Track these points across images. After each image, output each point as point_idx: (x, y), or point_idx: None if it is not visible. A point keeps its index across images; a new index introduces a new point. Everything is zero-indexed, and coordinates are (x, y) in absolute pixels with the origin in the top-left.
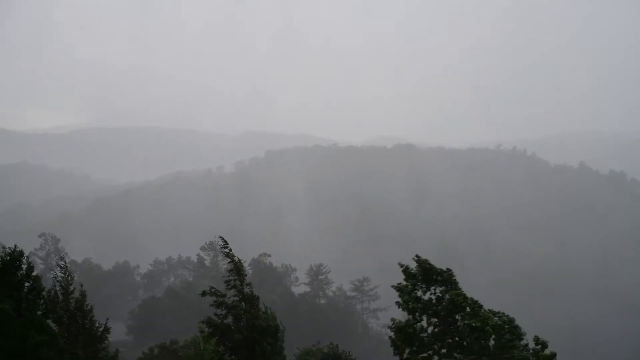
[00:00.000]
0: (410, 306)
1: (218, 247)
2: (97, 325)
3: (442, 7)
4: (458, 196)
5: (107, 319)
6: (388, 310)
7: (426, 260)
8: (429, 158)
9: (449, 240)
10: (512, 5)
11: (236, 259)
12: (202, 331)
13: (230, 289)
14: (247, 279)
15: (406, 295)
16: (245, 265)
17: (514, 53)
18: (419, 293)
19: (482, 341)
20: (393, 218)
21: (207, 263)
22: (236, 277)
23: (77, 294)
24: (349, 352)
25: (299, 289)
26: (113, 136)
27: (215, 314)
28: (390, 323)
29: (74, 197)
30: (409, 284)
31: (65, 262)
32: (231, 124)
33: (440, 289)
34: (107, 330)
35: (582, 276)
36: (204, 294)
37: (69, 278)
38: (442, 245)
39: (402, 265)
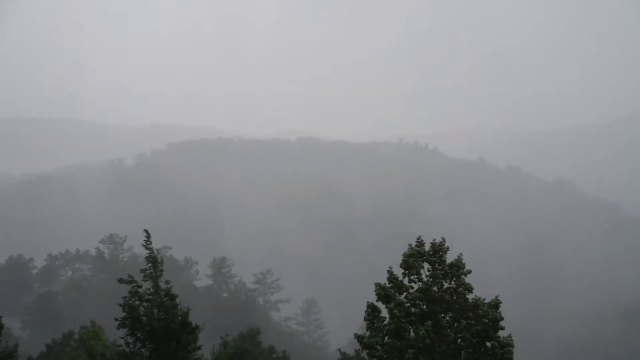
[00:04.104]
0: (411, 262)
1: (118, 240)
2: None
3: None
4: (360, 188)
5: None
6: (290, 302)
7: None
8: (332, 151)
9: (353, 232)
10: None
11: (155, 251)
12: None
13: (146, 281)
14: (147, 273)
15: (411, 258)
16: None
17: (414, 51)
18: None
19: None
20: (296, 210)
21: (106, 256)
22: (152, 270)
23: None
24: (258, 328)
25: (202, 282)
26: (6, 127)
27: (127, 304)
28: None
29: None
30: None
31: None
32: (134, 115)
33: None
34: None
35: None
36: (121, 281)
37: None
38: (345, 237)
39: (418, 239)
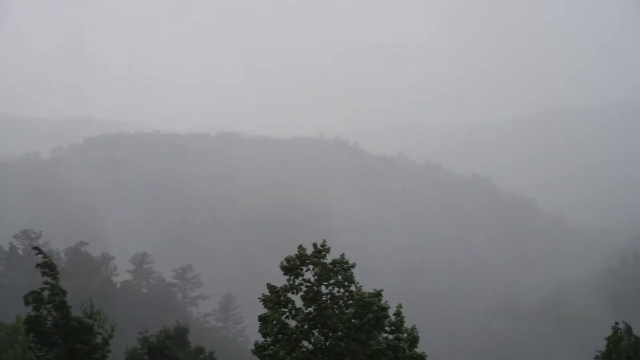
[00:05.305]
0: (288, 266)
1: (33, 236)
2: None
3: None
4: (274, 184)
5: None
6: (210, 298)
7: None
8: (251, 146)
9: (268, 228)
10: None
11: (48, 257)
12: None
13: (45, 284)
14: (63, 269)
15: (289, 262)
16: (61, 254)
17: (339, 48)
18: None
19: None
20: (211, 206)
21: (20, 252)
22: (51, 274)
23: None
24: (186, 327)
25: (122, 279)
26: None
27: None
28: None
29: None
30: (298, 260)
31: None
32: (53, 109)
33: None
34: None
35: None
36: (26, 301)
37: None
38: (258, 234)
39: (299, 247)
